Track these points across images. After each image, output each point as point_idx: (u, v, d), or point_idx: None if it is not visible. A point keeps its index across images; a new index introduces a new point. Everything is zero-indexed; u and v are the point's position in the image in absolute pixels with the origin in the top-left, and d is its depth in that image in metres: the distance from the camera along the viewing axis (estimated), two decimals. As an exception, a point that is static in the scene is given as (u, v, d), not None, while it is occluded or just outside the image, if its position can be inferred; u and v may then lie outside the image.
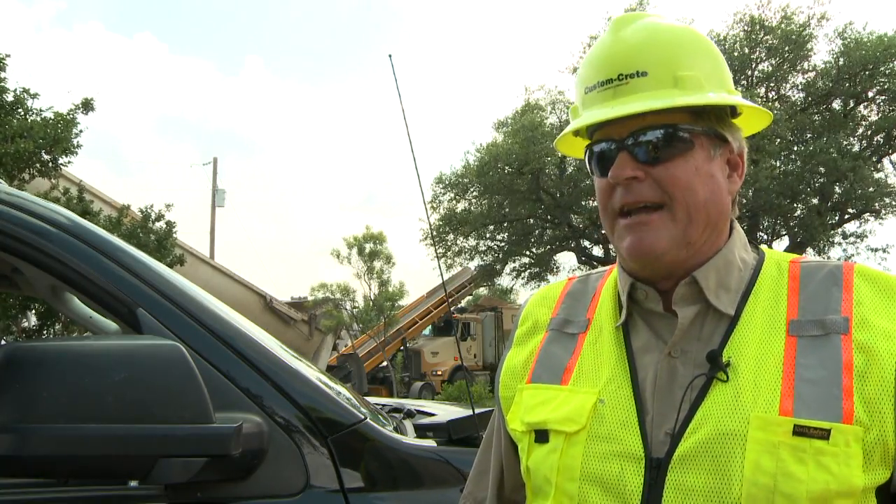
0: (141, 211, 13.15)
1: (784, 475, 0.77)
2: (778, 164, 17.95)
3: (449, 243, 22.56)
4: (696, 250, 0.90)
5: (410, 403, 2.29)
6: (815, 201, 19.09)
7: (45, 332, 11.37)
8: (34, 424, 1.16)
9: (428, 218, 1.81)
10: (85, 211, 11.07)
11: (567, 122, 1.02)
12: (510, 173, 20.29)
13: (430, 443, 1.60)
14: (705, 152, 0.90)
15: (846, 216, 19.85)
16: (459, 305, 24.82)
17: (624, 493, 0.85)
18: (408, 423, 1.84)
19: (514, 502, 1.09)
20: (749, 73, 19.09)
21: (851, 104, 19.09)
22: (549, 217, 21.96)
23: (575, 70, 20.52)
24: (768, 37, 18.60)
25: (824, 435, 0.78)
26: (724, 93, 0.92)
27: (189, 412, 1.21)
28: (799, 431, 0.78)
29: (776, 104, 18.51)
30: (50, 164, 10.54)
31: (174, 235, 13.56)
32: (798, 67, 19.03)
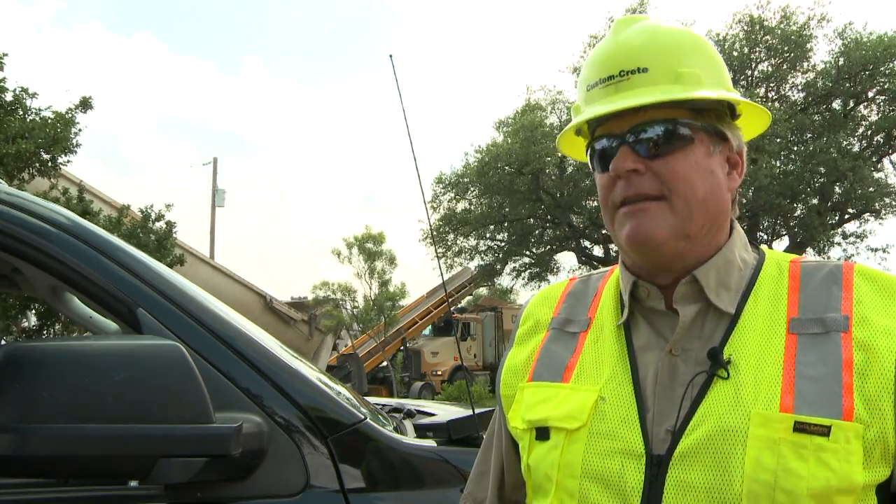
0: (141, 211, 13.15)
1: (785, 471, 0.78)
2: (778, 163, 17.95)
3: (449, 243, 22.57)
4: (694, 245, 0.91)
5: (410, 403, 2.29)
6: (815, 201, 19.11)
7: (45, 332, 11.37)
8: (34, 424, 1.16)
9: (428, 218, 1.81)
10: (85, 211, 11.07)
11: (568, 122, 1.02)
12: (510, 173, 20.30)
13: (430, 443, 1.60)
14: (705, 148, 0.91)
15: (846, 216, 19.87)
16: (459, 305, 24.82)
17: (624, 490, 0.85)
18: (408, 423, 1.84)
19: (515, 502, 1.09)
20: (749, 73, 19.10)
21: (851, 104, 19.10)
22: (549, 217, 21.97)
23: (575, 70, 20.64)
24: (768, 37, 18.60)
25: (825, 431, 0.78)
26: (724, 91, 0.93)
27: (189, 412, 1.21)
28: (799, 428, 0.79)
29: (776, 104, 18.51)
30: (49, 164, 10.54)
31: (174, 235, 13.56)
32: (798, 67, 19.03)
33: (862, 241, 19.85)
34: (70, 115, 10.62)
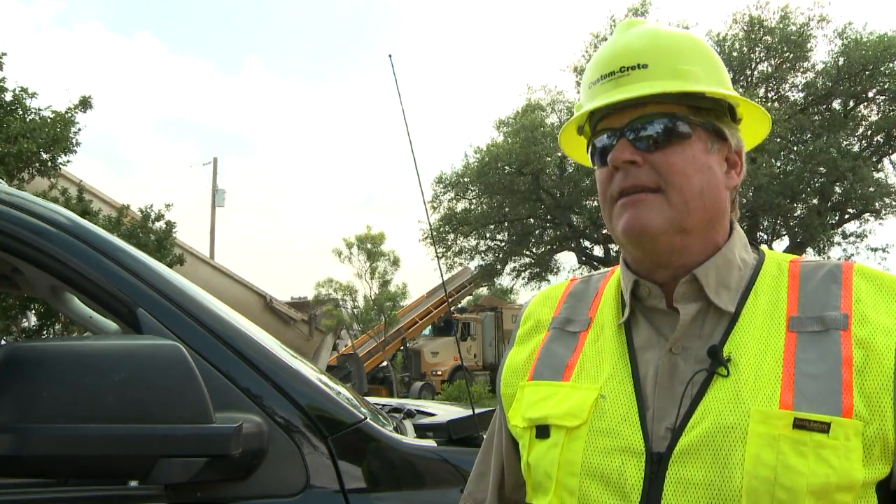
0: (140, 211, 13.15)
1: (784, 468, 0.78)
2: (778, 163, 17.95)
3: (449, 243, 22.57)
4: (691, 240, 0.91)
5: (410, 403, 2.29)
6: (815, 201, 19.11)
7: (45, 332, 11.37)
8: (34, 424, 1.16)
9: (428, 218, 1.82)
10: (84, 211, 11.07)
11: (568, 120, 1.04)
12: (510, 173, 20.30)
13: (430, 443, 1.60)
14: (703, 144, 0.92)
15: (846, 216, 19.87)
16: (459, 305, 24.83)
17: (624, 488, 0.85)
18: (408, 423, 1.84)
19: (515, 502, 1.09)
20: (749, 73, 19.10)
21: (851, 104, 19.10)
22: (549, 217, 21.97)
23: (576, 69, 20.66)
24: (768, 37, 18.61)
25: (824, 428, 0.78)
26: (723, 89, 0.94)
27: (189, 412, 1.21)
28: (799, 425, 0.79)
29: (776, 104, 18.52)
30: (49, 164, 10.55)
31: (174, 235, 13.56)
32: (798, 67, 19.04)
33: (862, 240, 19.88)
34: (70, 115, 10.62)
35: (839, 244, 19.64)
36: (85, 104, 10.91)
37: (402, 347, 22.06)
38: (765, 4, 18.85)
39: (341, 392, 1.60)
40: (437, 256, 24.19)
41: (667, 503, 0.82)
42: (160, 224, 13.21)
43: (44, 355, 1.20)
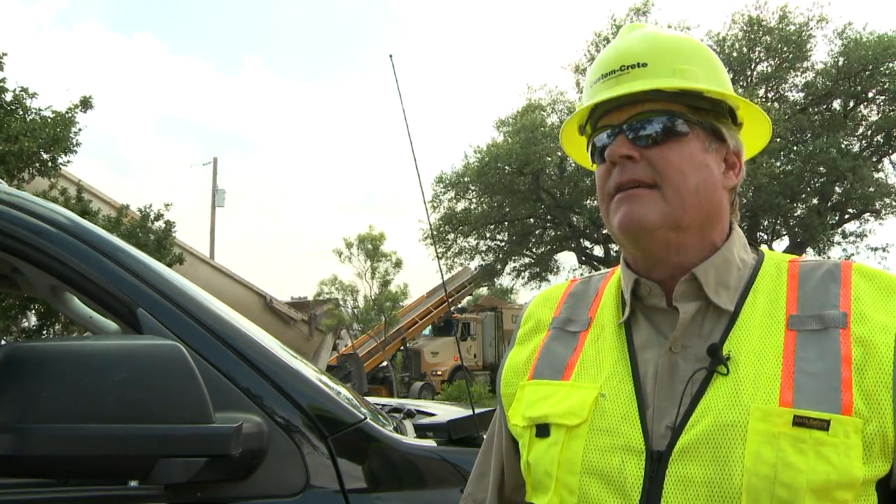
0: (140, 211, 13.14)
1: (784, 465, 0.78)
2: (778, 163, 17.96)
3: (449, 243, 22.57)
4: (687, 237, 0.92)
5: (410, 403, 2.29)
6: (815, 201, 19.11)
7: (45, 332, 11.36)
8: (34, 424, 1.16)
9: (428, 217, 1.82)
10: (84, 211, 11.07)
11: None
12: (510, 173, 20.30)
13: (430, 443, 1.60)
14: (701, 143, 0.93)
15: (846, 216, 19.87)
16: (459, 305, 24.82)
17: (624, 486, 0.86)
18: (408, 423, 1.84)
19: (515, 503, 1.10)
20: (749, 73, 19.10)
21: (851, 104, 19.10)
22: (549, 217, 21.97)
23: (577, 68, 20.66)
24: (767, 37, 18.61)
25: (824, 426, 0.78)
26: (722, 90, 0.95)
27: (189, 412, 1.21)
28: (799, 422, 0.79)
29: (775, 104, 18.52)
30: (49, 164, 10.54)
31: (173, 235, 13.55)
32: (797, 67, 19.04)
33: (862, 240, 19.88)
34: (70, 115, 10.62)
35: (839, 244, 19.66)
36: (86, 104, 10.91)
37: (402, 347, 22.06)
38: (763, 4, 18.88)
39: (341, 392, 1.60)
40: (437, 256, 24.19)
41: (667, 501, 0.82)
42: (159, 224, 13.20)
43: (44, 355, 1.20)
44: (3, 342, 10.45)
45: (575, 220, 21.62)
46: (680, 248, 0.92)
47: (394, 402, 2.39)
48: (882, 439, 0.79)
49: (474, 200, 22.24)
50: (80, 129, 10.81)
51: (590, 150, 1.01)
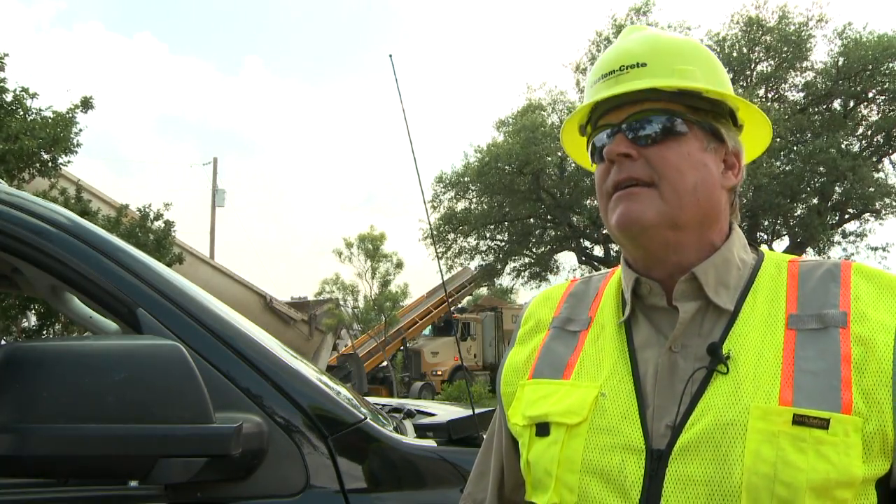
0: (139, 210, 13.13)
1: (784, 464, 0.78)
2: (778, 163, 17.96)
3: (449, 242, 22.57)
4: (684, 236, 0.92)
5: (410, 403, 2.29)
6: (815, 201, 19.11)
7: (45, 332, 11.36)
8: (34, 424, 1.16)
9: (428, 217, 1.82)
10: (83, 211, 11.06)
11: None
12: (510, 173, 20.30)
13: (430, 443, 1.60)
14: (699, 143, 0.93)
15: (846, 216, 19.87)
16: (459, 305, 24.83)
17: (624, 485, 0.86)
18: (408, 423, 1.84)
19: (514, 503, 1.10)
20: (748, 73, 19.11)
21: (851, 104, 19.10)
22: (549, 217, 21.97)
23: (578, 67, 20.67)
24: (767, 37, 18.61)
25: (823, 424, 0.79)
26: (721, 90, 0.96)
27: (189, 412, 1.21)
28: (798, 421, 0.79)
29: (775, 104, 18.52)
30: (50, 164, 10.54)
31: (172, 234, 13.55)
32: (797, 67, 19.04)
33: (862, 240, 19.89)
34: (71, 115, 10.62)
35: (839, 244, 19.66)
36: (86, 105, 10.90)
37: (402, 347, 22.06)
38: (763, 4, 18.88)
39: (341, 392, 1.60)
40: (437, 256, 24.19)
41: (667, 500, 0.82)
42: (159, 224, 13.19)
43: (44, 355, 1.20)
44: (3, 342, 10.45)
45: (575, 220, 21.62)
46: (678, 246, 0.92)
47: (394, 402, 2.39)
48: (882, 438, 0.79)
49: (474, 200, 22.24)
50: (80, 130, 10.82)
51: (590, 149, 1.01)
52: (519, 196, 21.10)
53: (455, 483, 1.46)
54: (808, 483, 0.77)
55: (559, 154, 19.66)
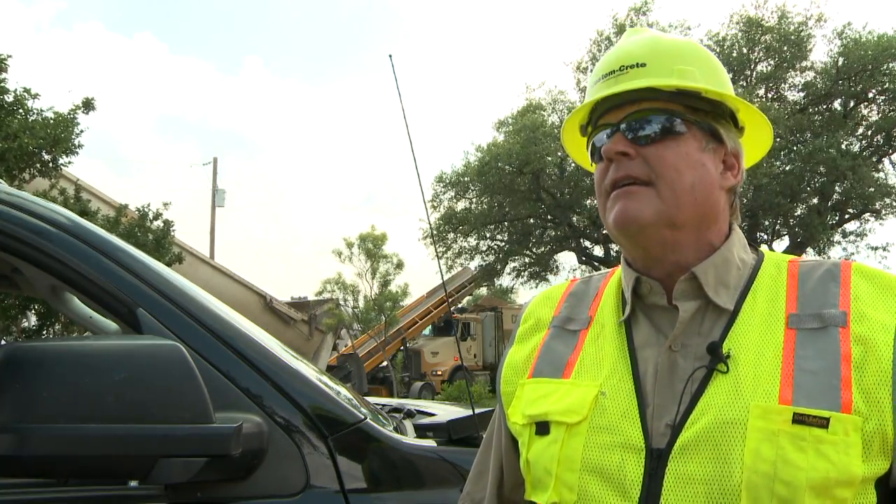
0: (138, 210, 13.12)
1: (784, 462, 0.78)
2: (778, 163, 17.96)
3: (449, 242, 22.58)
4: (682, 236, 0.92)
5: (410, 403, 2.29)
6: (814, 201, 19.12)
7: (45, 332, 11.36)
8: (34, 424, 1.16)
9: (428, 217, 1.82)
10: (83, 211, 11.06)
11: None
12: (510, 173, 20.30)
13: (430, 443, 1.60)
14: (698, 143, 0.93)
15: (846, 216, 19.87)
16: (459, 305, 24.83)
17: (624, 484, 0.86)
18: (408, 423, 1.84)
19: (514, 502, 1.10)
20: (748, 73, 19.11)
21: (851, 104, 19.10)
22: (549, 217, 21.98)
23: (579, 66, 20.68)
24: (766, 36, 18.61)
25: (823, 423, 0.79)
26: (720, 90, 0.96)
27: (189, 412, 1.21)
28: (798, 420, 0.79)
29: (775, 104, 18.52)
30: (50, 165, 10.54)
31: (172, 234, 13.54)
32: (797, 67, 19.05)
33: (862, 239, 19.89)
34: (72, 116, 10.61)
35: (839, 243, 19.66)
36: (88, 106, 10.90)
37: (402, 347, 22.06)
38: (763, 3, 18.88)
39: (341, 392, 1.60)
40: (437, 256, 24.20)
41: (666, 499, 0.82)
42: (158, 223, 13.19)
43: (44, 355, 1.20)
44: (3, 342, 10.45)
45: (575, 219, 21.63)
46: (676, 246, 0.92)
47: (394, 402, 2.39)
48: (881, 437, 0.79)
49: (474, 200, 22.24)
50: (81, 131, 10.81)
51: (590, 149, 1.02)
52: (519, 196, 21.11)
53: (455, 483, 1.46)
54: (808, 482, 0.77)
55: (559, 154, 19.66)
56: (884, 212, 19.22)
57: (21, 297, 9.89)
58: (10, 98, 10.05)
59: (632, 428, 0.88)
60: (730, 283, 0.92)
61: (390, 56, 1.78)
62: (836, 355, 0.82)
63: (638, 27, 1.05)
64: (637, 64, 0.94)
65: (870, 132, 19.26)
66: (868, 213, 19.53)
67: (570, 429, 0.92)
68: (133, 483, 1.51)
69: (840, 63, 18.17)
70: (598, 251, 22.42)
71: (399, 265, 20.15)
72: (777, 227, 20.16)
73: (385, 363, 20.53)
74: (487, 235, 22.89)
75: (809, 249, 18.85)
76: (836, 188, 18.48)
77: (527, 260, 23.26)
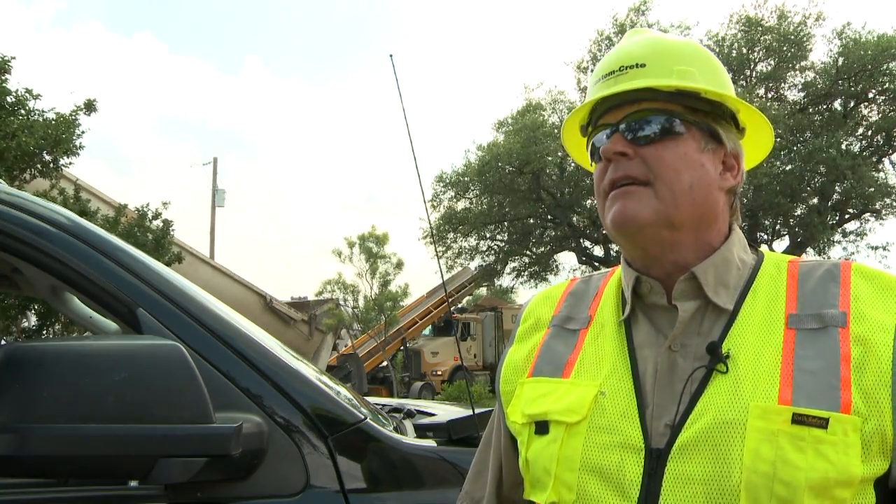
0: (137, 210, 13.12)
1: (783, 462, 0.78)
2: (778, 163, 17.96)
3: (449, 242, 22.58)
4: (681, 236, 0.92)
5: (410, 403, 2.29)
6: (814, 201, 19.12)
7: (45, 332, 11.36)
8: (34, 424, 1.16)
9: (428, 217, 1.83)
10: (82, 211, 11.05)
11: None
12: (511, 173, 20.30)
13: (430, 443, 1.60)
14: (697, 143, 0.93)
15: (846, 216, 19.88)
16: (459, 305, 24.82)
17: (623, 483, 0.86)
18: (408, 423, 1.84)
19: (512, 501, 1.10)
20: (748, 73, 19.11)
21: (851, 104, 19.11)
22: (549, 217, 21.98)
23: (579, 66, 20.68)
24: (766, 36, 18.61)
25: (822, 424, 0.79)
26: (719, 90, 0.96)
27: (189, 412, 1.21)
28: (798, 420, 0.79)
29: (775, 104, 18.52)
30: (51, 165, 10.54)
31: (171, 234, 13.53)
32: (797, 67, 19.05)
33: (862, 239, 19.89)
34: (73, 117, 10.61)
35: (839, 243, 19.67)
36: (89, 107, 10.89)
37: (402, 347, 22.06)
38: (762, 3, 18.89)
39: (341, 392, 1.60)
40: (437, 256, 24.21)
41: (665, 499, 0.82)
42: (157, 223, 13.18)
43: (44, 355, 1.20)
44: (3, 342, 10.45)
45: (575, 219, 21.63)
46: (674, 246, 0.92)
47: (394, 402, 2.39)
48: (881, 438, 0.79)
49: (474, 200, 22.24)
50: (82, 132, 10.81)
51: (589, 149, 1.02)
52: (519, 196, 21.11)
53: (455, 483, 1.46)
54: (807, 482, 0.77)
55: (559, 154, 19.66)
56: (884, 212, 19.23)
57: (21, 297, 9.88)
58: (11, 99, 10.05)
59: (631, 428, 0.88)
60: (729, 284, 0.92)
61: (391, 56, 1.79)
62: (836, 355, 0.82)
63: (639, 28, 1.05)
64: (637, 64, 0.94)
65: (870, 132, 19.26)
66: (868, 213, 19.54)
67: (570, 428, 0.92)
68: (133, 483, 1.51)
69: (840, 63, 18.17)
70: (598, 251, 22.42)
71: (399, 265, 20.17)
72: (777, 227, 20.17)
73: (385, 363, 20.53)
74: (487, 235, 22.90)
75: (809, 249, 18.85)
76: (836, 188, 18.48)
77: (527, 260, 23.26)
